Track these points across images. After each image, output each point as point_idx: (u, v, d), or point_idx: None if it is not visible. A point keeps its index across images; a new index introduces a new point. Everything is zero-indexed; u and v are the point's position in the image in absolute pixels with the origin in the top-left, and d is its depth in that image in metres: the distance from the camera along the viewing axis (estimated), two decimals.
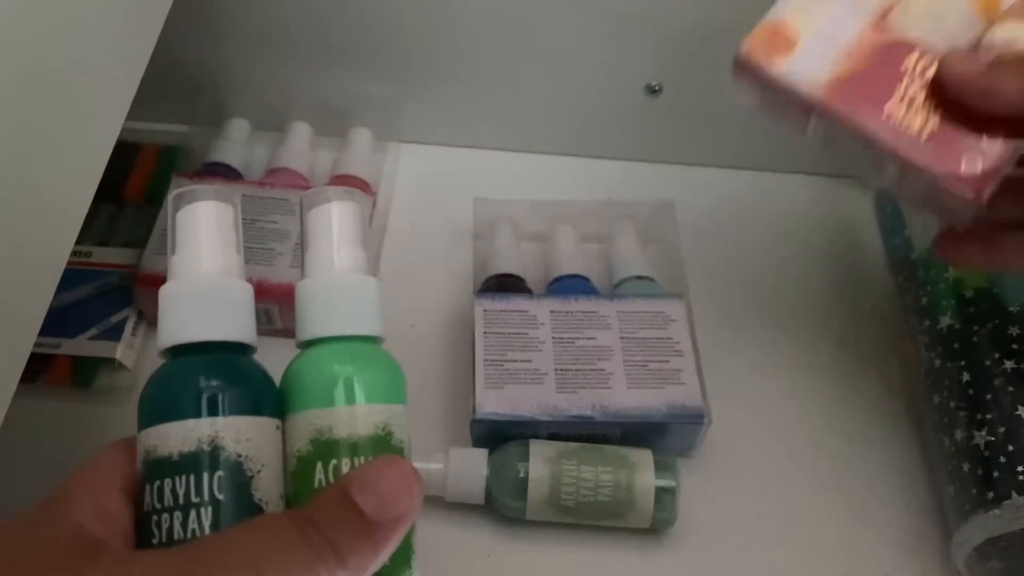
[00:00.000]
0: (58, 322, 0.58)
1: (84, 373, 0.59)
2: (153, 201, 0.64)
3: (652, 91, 0.67)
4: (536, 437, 0.55)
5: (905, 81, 0.43)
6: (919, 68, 0.44)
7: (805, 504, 0.58)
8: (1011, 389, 0.51)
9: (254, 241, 0.61)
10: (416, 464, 0.53)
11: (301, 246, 0.38)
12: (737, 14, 0.62)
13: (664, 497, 0.53)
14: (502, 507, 0.55)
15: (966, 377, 0.53)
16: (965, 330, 0.55)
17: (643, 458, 0.54)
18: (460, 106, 0.70)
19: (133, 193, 0.66)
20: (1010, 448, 0.50)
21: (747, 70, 0.45)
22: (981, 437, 0.51)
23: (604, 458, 0.54)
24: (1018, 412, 0.51)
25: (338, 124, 0.69)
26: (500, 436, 0.55)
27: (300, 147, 0.68)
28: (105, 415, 0.59)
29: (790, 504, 0.58)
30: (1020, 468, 0.49)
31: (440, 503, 0.55)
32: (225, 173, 0.65)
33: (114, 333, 0.59)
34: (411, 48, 0.66)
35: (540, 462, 0.54)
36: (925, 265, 0.59)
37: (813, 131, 0.45)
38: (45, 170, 0.37)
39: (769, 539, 0.56)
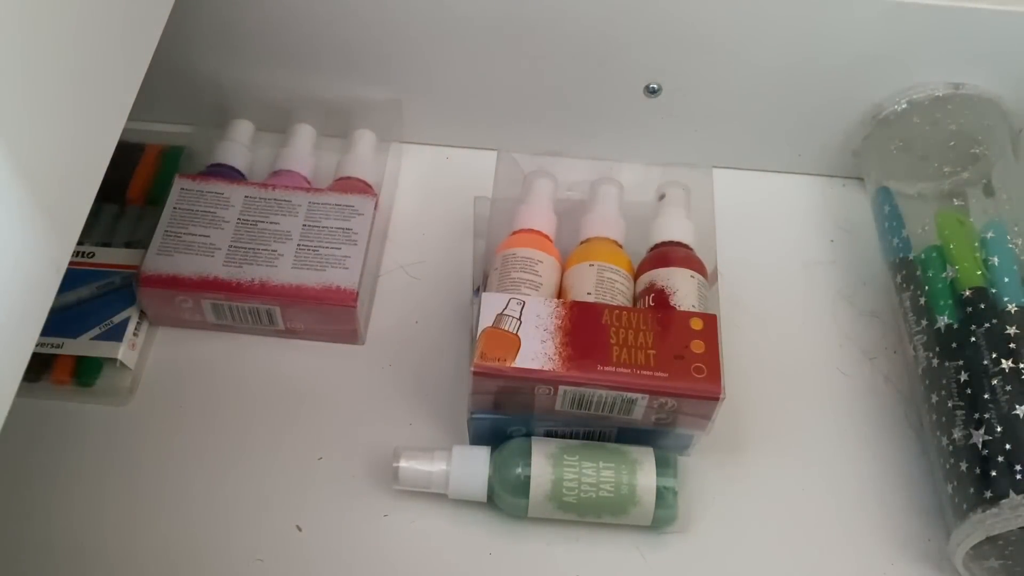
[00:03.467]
0: (60, 322, 0.59)
1: (86, 373, 0.59)
2: (155, 202, 0.65)
3: (652, 91, 0.67)
4: (532, 434, 0.56)
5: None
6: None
7: (804, 503, 0.58)
8: (1008, 388, 0.52)
9: (256, 242, 0.61)
10: (418, 463, 0.54)
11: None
12: (737, 14, 0.62)
13: (665, 494, 0.54)
14: (504, 504, 0.55)
15: (964, 376, 0.54)
16: (963, 330, 0.55)
17: (644, 455, 0.54)
18: (461, 107, 0.70)
19: (136, 193, 0.66)
20: (1008, 447, 0.50)
21: (486, 372, 0.52)
22: (979, 436, 0.51)
23: (606, 455, 0.54)
24: (1015, 411, 0.51)
25: (341, 126, 0.69)
26: (499, 434, 0.56)
27: (303, 149, 0.68)
28: (107, 415, 0.59)
29: (789, 503, 0.58)
30: (1018, 467, 0.49)
31: (442, 501, 0.56)
32: (228, 175, 0.66)
33: (116, 333, 0.59)
34: (413, 50, 0.67)
35: (542, 459, 0.54)
36: (923, 265, 0.59)
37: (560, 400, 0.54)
38: (47, 170, 0.37)
39: (768, 538, 0.56)
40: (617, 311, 0.54)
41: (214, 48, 0.67)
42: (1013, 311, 0.54)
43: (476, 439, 0.57)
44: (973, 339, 0.54)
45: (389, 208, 0.69)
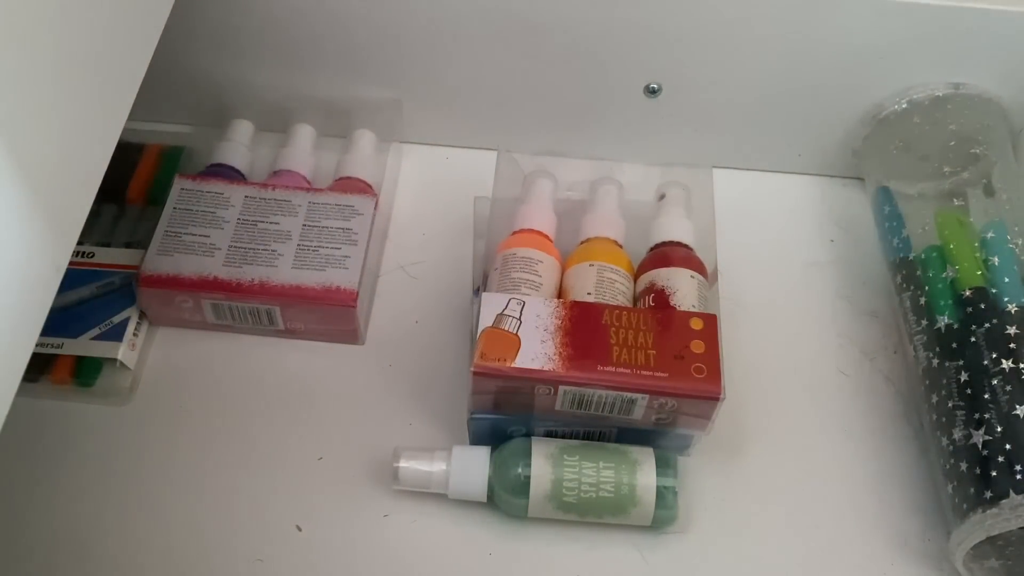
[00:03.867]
0: (60, 322, 0.59)
1: (86, 373, 0.59)
2: (155, 202, 0.65)
3: (652, 91, 0.67)
4: (532, 434, 0.56)
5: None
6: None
7: (804, 502, 0.58)
8: (1009, 388, 0.52)
9: (256, 242, 0.61)
10: (418, 463, 0.54)
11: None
12: (737, 14, 0.62)
13: (665, 494, 0.54)
14: (504, 504, 0.55)
15: (964, 376, 0.54)
16: (963, 330, 0.55)
17: (644, 455, 0.54)
18: (461, 107, 0.70)
19: (135, 194, 0.66)
20: (1008, 447, 0.50)
21: (486, 372, 0.52)
22: (979, 436, 0.51)
23: (606, 455, 0.54)
24: (1016, 411, 0.51)
25: (341, 126, 0.69)
26: (499, 434, 0.56)
27: (303, 149, 0.68)
28: (107, 415, 0.59)
29: (789, 502, 0.58)
30: (1018, 467, 0.49)
31: (442, 501, 0.56)
32: (228, 175, 0.66)
33: (116, 333, 0.59)
34: (413, 50, 0.67)
35: (542, 459, 0.54)
36: (923, 265, 0.59)
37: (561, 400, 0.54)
38: (47, 170, 0.37)
39: (768, 537, 0.56)
40: (617, 311, 0.54)
41: (214, 48, 0.67)
42: (1013, 311, 0.54)
43: (476, 439, 0.57)
44: (973, 339, 0.54)
45: (389, 208, 0.69)
